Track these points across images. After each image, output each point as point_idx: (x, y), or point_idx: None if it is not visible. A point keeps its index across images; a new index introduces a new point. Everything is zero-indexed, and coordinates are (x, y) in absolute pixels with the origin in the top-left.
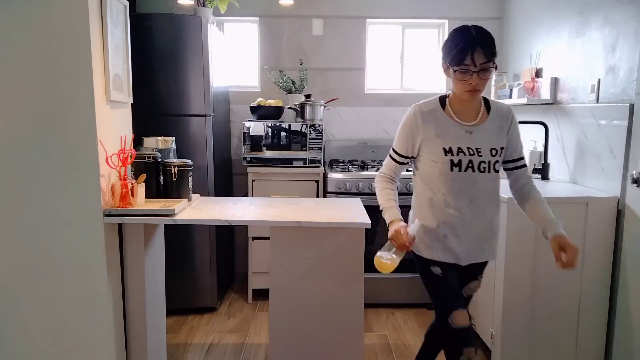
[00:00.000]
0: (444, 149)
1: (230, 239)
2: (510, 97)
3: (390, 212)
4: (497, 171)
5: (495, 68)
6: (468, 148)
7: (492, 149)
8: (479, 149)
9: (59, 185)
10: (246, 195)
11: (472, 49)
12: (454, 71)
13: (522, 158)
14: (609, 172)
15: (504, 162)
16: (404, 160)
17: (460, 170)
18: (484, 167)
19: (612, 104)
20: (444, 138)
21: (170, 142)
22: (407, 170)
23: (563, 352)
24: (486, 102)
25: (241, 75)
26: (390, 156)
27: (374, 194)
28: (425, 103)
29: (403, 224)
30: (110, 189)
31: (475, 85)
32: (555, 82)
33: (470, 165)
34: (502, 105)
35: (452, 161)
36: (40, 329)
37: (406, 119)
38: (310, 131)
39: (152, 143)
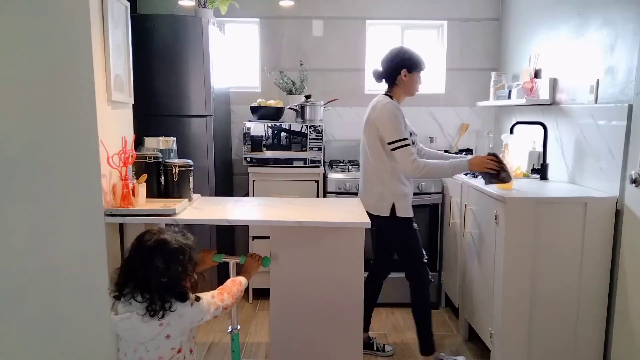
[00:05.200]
0: (410, 133)
1: (230, 239)
2: (509, 97)
3: (458, 162)
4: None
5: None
6: (412, 133)
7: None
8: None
9: (61, 185)
10: (246, 195)
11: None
12: (420, 75)
13: (392, 142)
14: (608, 173)
15: None
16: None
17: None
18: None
19: (610, 104)
20: (407, 126)
21: (171, 143)
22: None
23: (562, 352)
24: None
25: (242, 76)
26: (405, 145)
27: None
28: (390, 101)
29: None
30: (112, 189)
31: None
32: (554, 82)
33: (414, 144)
34: None
35: (412, 142)
36: (41, 328)
37: (395, 111)
38: (310, 131)
39: (153, 143)
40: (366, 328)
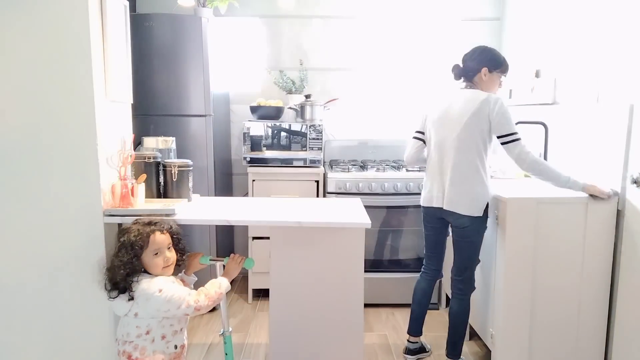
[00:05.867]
0: None
1: (230, 239)
2: (510, 97)
3: (574, 179)
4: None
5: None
6: None
7: None
8: None
9: (60, 185)
10: (246, 195)
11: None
12: (503, 76)
13: (512, 134)
14: (609, 173)
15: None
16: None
17: None
18: None
19: (611, 104)
20: None
21: (170, 142)
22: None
23: (563, 352)
24: None
25: (241, 76)
26: (519, 138)
27: (374, 194)
28: None
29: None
30: (111, 189)
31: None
32: (554, 82)
33: None
34: None
35: None
36: (40, 328)
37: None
38: (310, 131)
39: (152, 143)
40: (419, 331)
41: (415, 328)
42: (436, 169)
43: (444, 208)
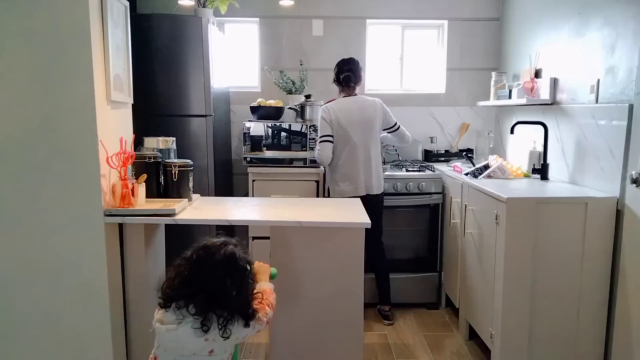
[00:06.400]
0: None
1: None
2: (510, 97)
3: None
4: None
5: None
6: None
7: None
8: None
9: (60, 185)
10: (246, 195)
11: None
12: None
13: (396, 123)
14: (608, 172)
15: (386, 129)
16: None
17: None
18: None
19: (611, 104)
20: None
21: (170, 143)
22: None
23: (563, 352)
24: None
25: (241, 76)
26: (398, 123)
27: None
28: None
29: None
30: (111, 189)
31: None
32: (554, 82)
33: None
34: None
35: None
36: (40, 328)
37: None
38: (310, 131)
39: (152, 143)
40: (385, 300)
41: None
42: (362, 164)
43: (374, 193)
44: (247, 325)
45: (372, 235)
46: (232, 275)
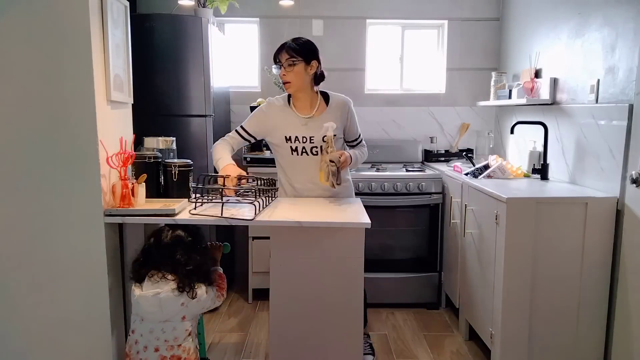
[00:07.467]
0: (285, 137)
1: (230, 239)
2: (510, 97)
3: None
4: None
5: (307, 63)
6: (303, 137)
7: (324, 136)
8: (312, 137)
9: (60, 185)
10: None
11: (279, 51)
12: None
13: (359, 136)
14: (608, 172)
15: (347, 142)
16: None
17: (298, 155)
18: (316, 151)
19: (611, 104)
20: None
21: (170, 143)
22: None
23: (563, 352)
24: (326, 96)
25: (241, 76)
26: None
27: (374, 194)
28: (276, 98)
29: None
30: (111, 189)
31: (282, 77)
32: (554, 82)
33: (304, 150)
34: (339, 98)
35: (291, 147)
36: (40, 328)
37: (258, 109)
38: None
39: (152, 143)
40: None
41: None
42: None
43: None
44: (207, 292)
45: None
46: (184, 253)
